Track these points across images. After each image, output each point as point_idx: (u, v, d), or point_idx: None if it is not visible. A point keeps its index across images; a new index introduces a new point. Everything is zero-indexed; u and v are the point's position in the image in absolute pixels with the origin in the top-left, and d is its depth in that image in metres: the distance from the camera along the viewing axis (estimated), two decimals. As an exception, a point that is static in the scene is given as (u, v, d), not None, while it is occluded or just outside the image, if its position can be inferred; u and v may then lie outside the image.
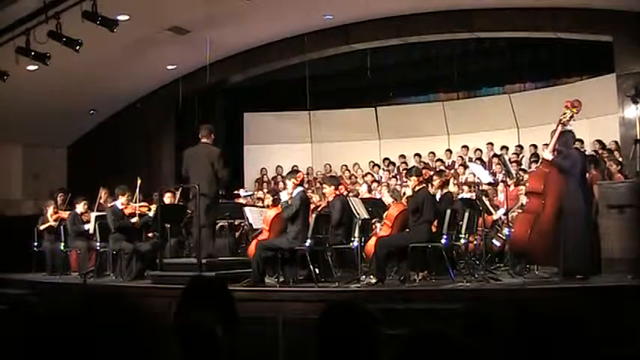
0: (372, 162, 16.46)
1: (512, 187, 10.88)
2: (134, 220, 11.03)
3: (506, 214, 10.03)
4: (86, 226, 11.80)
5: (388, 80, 16.57)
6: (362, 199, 10.72)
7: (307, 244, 8.78)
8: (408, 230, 9.02)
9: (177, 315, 2.77)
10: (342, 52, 15.00)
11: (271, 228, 9.35)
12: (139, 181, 11.24)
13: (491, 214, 10.55)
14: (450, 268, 8.69)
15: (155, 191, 12.30)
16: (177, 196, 12.04)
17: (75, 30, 10.48)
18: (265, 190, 15.14)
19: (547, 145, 8.86)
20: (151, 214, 11.19)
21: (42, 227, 12.50)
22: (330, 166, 16.78)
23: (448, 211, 8.85)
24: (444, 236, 8.70)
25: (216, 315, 2.58)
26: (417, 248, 8.73)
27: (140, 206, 11.25)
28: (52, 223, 12.42)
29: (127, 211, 11.08)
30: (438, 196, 9.52)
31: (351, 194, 11.35)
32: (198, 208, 9.27)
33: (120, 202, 11.09)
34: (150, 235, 11.43)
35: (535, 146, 14.05)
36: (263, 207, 11.91)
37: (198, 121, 13.37)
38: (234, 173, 16.32)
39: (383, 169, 16.00)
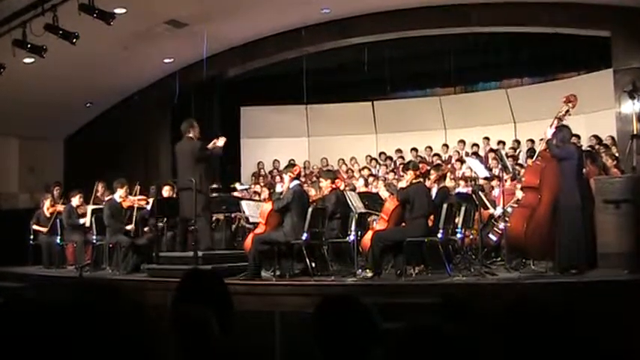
0: (369, 156, 16.47)
1: (508, 182, 10.88)
2: (130, 227, 11.01)
3: (502, 209, 10.04)
4: (81, 220, 11.81)
5: (385, 74, 16.54)
6: (359, 193, 10.72)
7: (304, 237, 8.80)
8: (404, 224, 9.03)
9: (173, 308, 2.77)
10: (340, 46, 14.95)
11: (268, 222, 9.34)
12: (137, 187, 11.41)
13: (487, 208, 10.55)
14: (446, 263, 8.71)
15: (152, 184, 12.30)
16: (176, 189, 12.04)
17: (72, 23, 10.45)
18: (262, 184, 15.14)
19: (542, 140, 8.88)
20: (149, 207, 11.21)
21: (35, 227, 12.51)
22: (327, 160, 16.79)
23: (444, 206, 8.86)
24: (441, 230, 8.70)
25: (213, 309, 2.58)
26: (413, 242, 8.74)
27: (138, 199, 11.26)
28: (42, 229, 12.42)
29: (125, 205, 11.08)
30: (434, 191, 9.52)
31: (347, 188, 11.35)
32: (195, 201, 9.29)
33: (118, 195, 11.09)
34: (146, 229, 11.44)
35: (532, 141, 14.05)
36: (259, 201, 11.91)
37: (195, 115, 13.34)
38: (232, 167, 16.37)
39: (380, 164, 16.00)
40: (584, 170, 8.61)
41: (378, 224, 9.48)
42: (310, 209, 9.06)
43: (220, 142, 9.83)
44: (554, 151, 8.22)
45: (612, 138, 12.60)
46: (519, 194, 9.78)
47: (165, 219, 11.12)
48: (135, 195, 11.36)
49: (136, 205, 11.11)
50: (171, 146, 15.04)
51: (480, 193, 10.47)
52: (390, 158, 16.15)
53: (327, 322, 2.41)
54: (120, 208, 11.02)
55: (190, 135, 9.76)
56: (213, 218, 11.05)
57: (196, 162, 9.57)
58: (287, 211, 8.99)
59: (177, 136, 10.63)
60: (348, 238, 9.56)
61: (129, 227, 11.00)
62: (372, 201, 10.35)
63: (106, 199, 11.75)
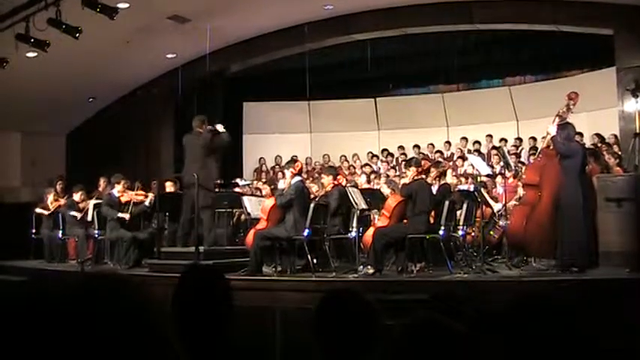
0: (371, 153, 16.45)
1: (510, 180, 10.88)
2: (125, 216, 11.00)
3: (504, 206, 10.03)
4: (72, 212, 11.85)
5: (388, 71, 16.53)
6: (360, 189, 10.72)
7: (305, 233, 8.80)
8: (405, 221, 9.03)
9: (173, 304, 2.77)
10: (342, 42, 14.96)
11: (269, 217, 9.35)
12: (138, 184, 11.51)
13: (489, 205, 10.55)
14: (447, 260, 8.72)
15: (154, 179, 12.31)
16: (179, 185, 12.04)
17: (75, 17, 10.44)
18: (264, 180, 15.13)
19: (545, 137, 8.86)
20: (147, 202, 11.24)
21: (38, 210, 12.55)
22: (329, 157, 16.77)
23: (446, 203, 8.86)
24: (442, 227, 8.71)
25: (213, 304, 2.58)
26: (414, 239, 8.75)
27: (136, 194, 11.28)
28: (44, 212, 12.45)
29: (124, 199, 11.11)
30: (435, 188, 9.52)
31: (349, 185, 11.35)
32: (197, 196, 9.30)
33: (116, 190, 11.13)
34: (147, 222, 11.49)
35: (534, 139, 14.04)
36: (261, 196, 11.91)
37: (197, 110, 13.34)
38: (233, 162, 16.35)
39: (381, 160, 15.99)
40: (586, 168, 8.60)
41: (380, 221, 9.49)
42: (312, 205, 9.07)
43: (220, 127, 9.90)
44: (559, 149, 8.19)
45: (615, 136, 12.58)
46: (521, 192, 9.78)
47: (167, 213, 11.14)
48: (137, 190, 11.39)
49: (133, 200, 11.15)
50: (174, 141, 15.10)
51: (481, 190, 10.47)
52: (392, 155, 16.14)
53: (329, 318, 2.40)
54: (118, 201, 11.06)
55: (200, 130, 9.87)
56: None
57: (207, 154, 9.66)
58: (289, 207, 9.00)
59: (180, 131, 10.67)
60: (349, 234, 9.57)
61: (122, 215, 10.99)
62: (374, 198, 10.35)
63: (107, 193, 11.81)
